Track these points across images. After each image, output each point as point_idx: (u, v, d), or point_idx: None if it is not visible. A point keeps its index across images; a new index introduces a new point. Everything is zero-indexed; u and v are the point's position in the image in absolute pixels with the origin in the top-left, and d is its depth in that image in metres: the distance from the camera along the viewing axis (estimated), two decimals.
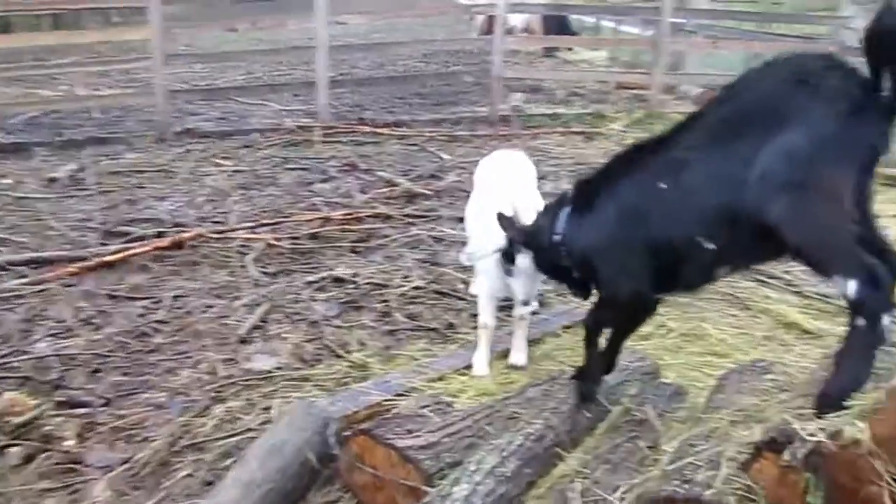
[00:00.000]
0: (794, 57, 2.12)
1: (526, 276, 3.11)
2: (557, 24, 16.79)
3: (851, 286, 1.87)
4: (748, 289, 4.38)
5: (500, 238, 3.20)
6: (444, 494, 2.11)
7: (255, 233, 5.21)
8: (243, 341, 3.81)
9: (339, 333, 3.89)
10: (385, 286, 4.38)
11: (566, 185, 6.35)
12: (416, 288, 4.36)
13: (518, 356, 3.53)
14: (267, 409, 3.23)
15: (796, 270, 4.66)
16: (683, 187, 2.19)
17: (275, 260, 4.83)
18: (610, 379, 2.75)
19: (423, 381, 3.31)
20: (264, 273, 4.62)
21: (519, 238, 2.93)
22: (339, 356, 3.66)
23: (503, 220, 2.96)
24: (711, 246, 2.17)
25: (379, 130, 8.46)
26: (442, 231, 5.29)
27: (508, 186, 3.56)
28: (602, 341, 2.70)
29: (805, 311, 4.12)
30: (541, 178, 6.28)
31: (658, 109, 9.48)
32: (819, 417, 1.89)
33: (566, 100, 11.08)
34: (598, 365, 2.66)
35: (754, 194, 2.00)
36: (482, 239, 3.52)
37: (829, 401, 1.90)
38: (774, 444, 1.89)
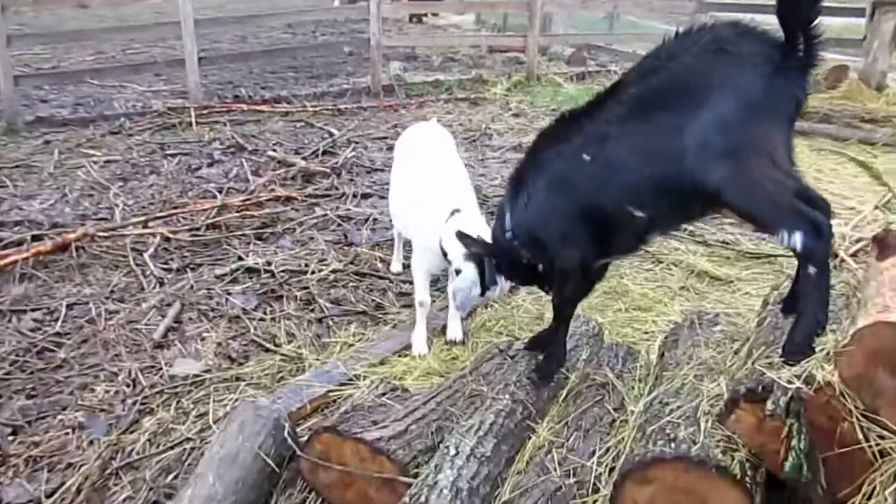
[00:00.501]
0: (708, 28, 2.16)
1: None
2: None
3: (797, 238, 1.96)
4: (657, 242, 4.53)
5: (431, 216, 3.21)
6: (431, 484, 2.05)
7: (147, 227, 4.86)
8: (160, 346, 3.55)
9: (264, 326, 3.70)
10: (302, 272, 4.22)
11: (465, 153, 6.38)
12: (336, 271, 4.22)
13: (455, 332, 3.52)
14: (202, 415, 3.03)
15: (697, 222, 4.90)
16: (612, 159, 2.23)
17: (175, 254, 4.52)
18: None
19: (364, 368, 3.22)
20: (167, 270, 4.32)
21: (486, 252, 2.83)
22: (268, 350, 3.50)
23: (467, 240, 2.85)
24: (641, 214, 2.23)
25: (259, 108, 8.11)
26: (348, 209, 5.14)
27: (435, 160, 3.52)
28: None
29: (710, 258, 4.33)
30: None
31: (536, 71, 9.62)
32: (790, 364, 1.97)
33: (443, 66, 11.06)
34: (564, 343, 2.66)
35: (693, 163, 2.04)
36: (412, 216, 3.47)
37: (797, 347, 1.98)
38: (752, 395, 1.96)
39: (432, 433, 2.40)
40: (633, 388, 2.52)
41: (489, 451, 2.20)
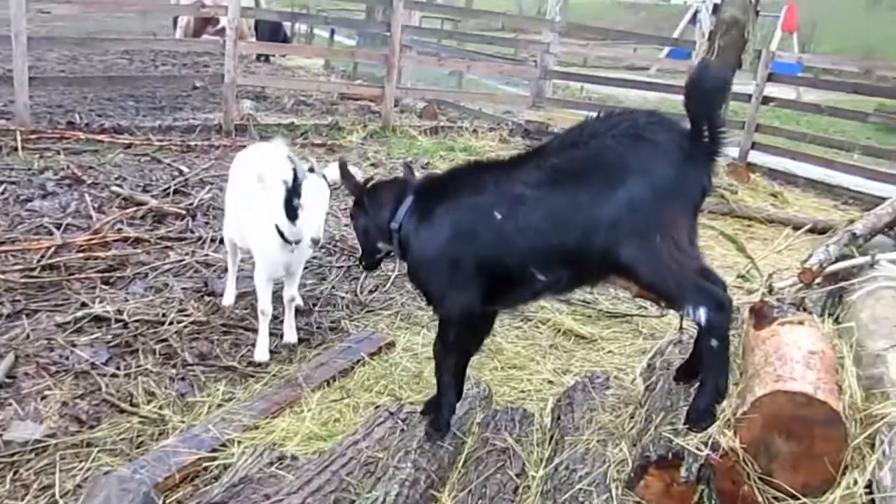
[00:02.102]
0: (627, 114, 2.34)
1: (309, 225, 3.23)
2: (271, 30, 16.46)
3: (702, 313, 2.12)
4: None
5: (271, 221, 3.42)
6: None
7: None
8: None
9: (118, 383, 3.34)
10: (160, 323, 3.88)
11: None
12: (197, 323, 3.93)
13: (290, 335, 3.85)
14: (46, 488, 2.67)
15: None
16: (524, 222, 2.30)
17: (5, 297, 4.00)
18: (457, 409, 2.72)
19: (238, 432, 2.99)
20: None
21: (356, 192, 2.78)
22: (124, 411, 3.15)
23: (345, 168, 2.83)
24: (542, 277, 2.33)
25: (97, 137, 7.51)
26: (207, 255, 4.84)
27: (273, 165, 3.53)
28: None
29: (574, 317, 4.49)
30: None
31: (391, 122, 9.72)
32: (694, 431, 2.06)
33: (295, 109, 10.88)
34: (451, 394, 2.62)
35: (605, 239, 2.18)
36: (248, 219, 3.67)
37: (702, 415, 2.11)
38: (663, 461, 2.02)
39: None
40: (532, 452, 2.53)
41: None
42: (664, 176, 2.15)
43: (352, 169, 2.91)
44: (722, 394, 2.13)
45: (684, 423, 2.10)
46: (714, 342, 2.13)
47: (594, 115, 2.36)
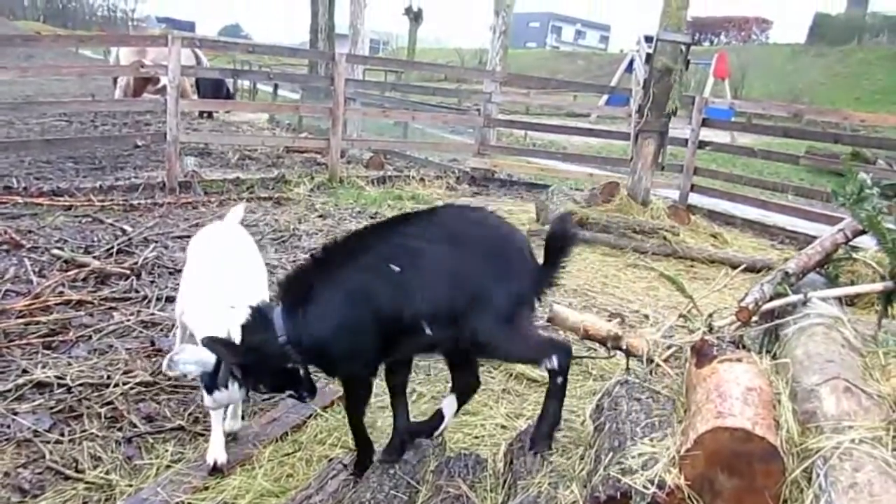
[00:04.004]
0: (508, 226, 2.82)
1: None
2: (213, 86, 16.52)
3: (554, 361, 2.63)
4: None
5: (211, 313, 3.05)
6: None
7: None
8: None
9: (62, 450, 3.24)
10: (104, 385, 3.78)
11: (275, 255, 6.25)
12: (143, 384, 3.85)
13: (233, 423, 3.39)
14: None
15: None
16: (420, 273, 2.53)
17: None
18: (410, 457, 2.74)
19: (187, 494, 2.94)
20: None
21: (239, 359, 2.66)
22: (69, 478, 3.06)
23: (217, 345, 2.63)
24: (429, 332, 2.54)
25: (36, 200, 7.38)
26: (153, 314, 4.77)
27: (231, 260, 3.47)
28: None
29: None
30: None
31: (338, 174, 9.79)
32: (536, 453, 2.56)
33: (240, 164, 10.88)
34: (366, 436, 2.87)
35: (468, 311, 2.50)
36: (195, 312, 3.31)
37: (543, 439, 2.61)
38: (612, 501, 2.07)
39: None
40: (485, 498, 2.54)
41: None
42: (528, 290, 2.64)
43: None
44: (559, 421, 2.69)
45: (529, 448, 2.58)
46: (560, 379, 2.65)
47: (492, 210, 2.89)
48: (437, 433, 2.94)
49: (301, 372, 2.73)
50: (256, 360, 2.66)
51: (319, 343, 2.57)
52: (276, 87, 19.23)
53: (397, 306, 2.48)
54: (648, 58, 8.00)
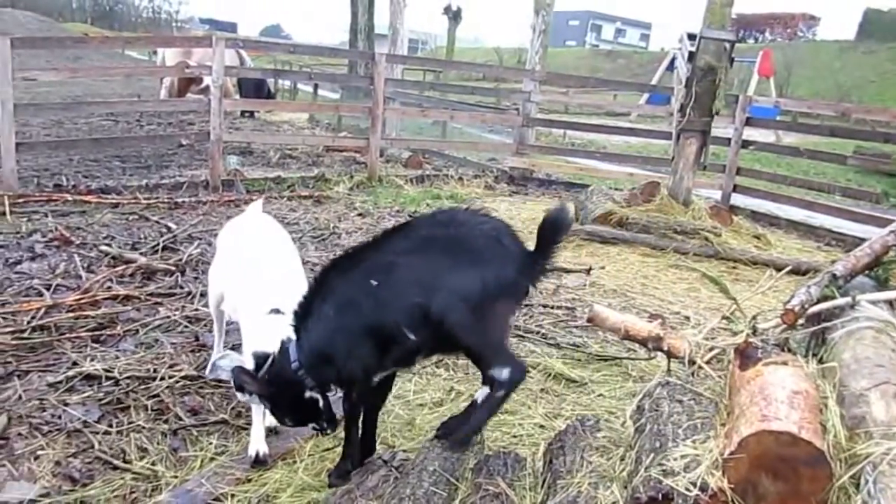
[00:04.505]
0: (492, 218, 2.84)
1: None
2: (255, 86, 16.74)
3: (505, 373, 2.62)
4: (513, 345, 4.70)
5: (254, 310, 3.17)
6: None
7: None
8: None
9: (110, 441, 3.34)
10: (151, 379, 3.88)
11: (315, 252, 6.32)
12: (188, 377, 3.94)
13: (256, 444, 3.27)
14: None
15: (546, 324, 5.15)
16: (395, 285, 2.64)
17: None
18: (449, 455, 2.75)
19: (230, 486, 3.00)
20: None
21: (264, 390, 2.86)
22: (117, 468, 3.14)
23: (243, 376, 2.83)
24: (413, 337, 2.63)
25: (85, 198, 7.57)
26: (196, 310, 4.86)
27: (265, 246, 3.57)
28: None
29: (564, 361, 4.53)
30: None
31: (377, 173, 9.86)
32: (454, 451, 2.65)
33: (281, 163, 11.02)
34: (357, 449, 2.90)
35: (440, 303, 2.56)
36: (238, 304, 3.42)
37: (460, 440, 2.67)
38: (653, 502, 2.05)
39: None
40: (524, 497, 2.55)
41: None
42: (507, 275, 2.62)
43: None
44: (480, 431, 2.74)
45: (446, 447, 2.65)
46: (500, 393, 2.64)
47: (464, 207, 3.01)
48: None
49: (321, 403, 2.86)
50: (278, 391, 2.84)
51: (319, 351, 2.75)
52: (316, 87, 19.42)
53: (379, 318, 2.65)
54: (691, 56, 7.88)
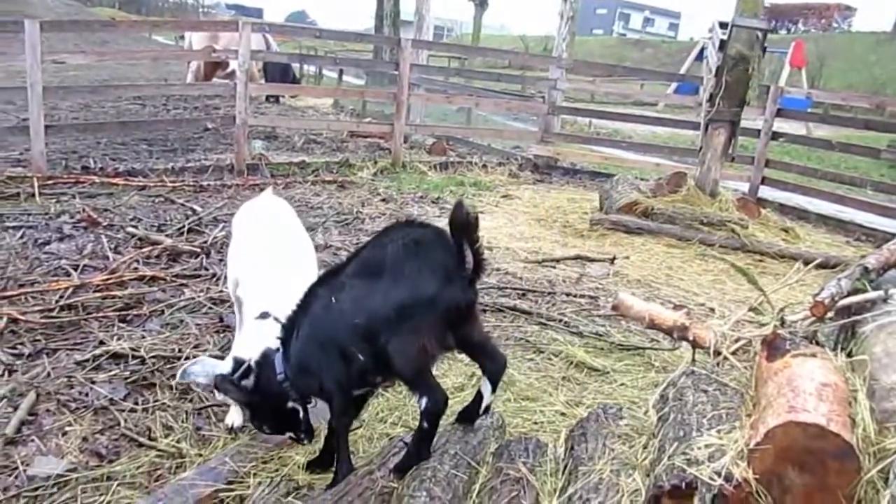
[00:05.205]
0: (417, 227, 2.78)
1: None
2: (281, 71, 16.78)
3: (423, 402, 2.57)
4: (535, 332, 4.70)
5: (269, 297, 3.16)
6: None
7: None
8: (13, 442, 3.13)
9: (136, 418, 3.39)
10: (176, 358, 3.93)
11: (339, 237, 6.34)
12: (213, 357, 3.95)
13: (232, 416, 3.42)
14: None
15: (569, 312, 5.13)
16: (343, 307, 2.66)
17: (26, 338, 4.06)
18: (471, 439, 2.76)
19: (253, 464, 3.03)
20: (16, 355, 3.87)
21: (247, 398, 2.90)
22: (142, 445, 3.19)
23: (227, 384, 2.86)
24: (361, 358, 2.63)
25: (112, 180, 7.65)
26: (221, 291, 4.90)
27: (275, 233, 3.57)
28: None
29: (586, 349, 4.50)
30: (310, 229, 6.21)
31: (401, 159, 9.86)
32: (397, 477, 2.57)
33: (305, 147, 11.05)
34: (348, 453, 2.89)
35: (379, 328, 2.55)
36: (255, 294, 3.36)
37: (400, 469, 2.60)
38: (676, 491, 2.04)
39: None
40: (545, 482, 2.54)
41: None
42: (424, 287, 2.52)
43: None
44: (421, 459, 2.61)
45: (390, 472, 2.59)
46: (426, 424, 2.60)
47: (401, 220, 3.03)
48: (483, 410, 2.92)
49: (301, 415, 2.89)
50: (261, 401, 2.88)
51: (300, 364, 2.78)
52: (341, 72, 19.42)
53: (335, 337, 2.68)
54: (722, 44, 7.77)
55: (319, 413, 3.01)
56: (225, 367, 2.95)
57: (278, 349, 2.87)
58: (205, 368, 2.94)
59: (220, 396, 3.03)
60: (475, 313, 2.73)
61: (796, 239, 7.96)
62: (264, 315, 3.08)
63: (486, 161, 10.87)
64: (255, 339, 2.99)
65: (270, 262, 3.39)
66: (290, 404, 2.87)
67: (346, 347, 2.64)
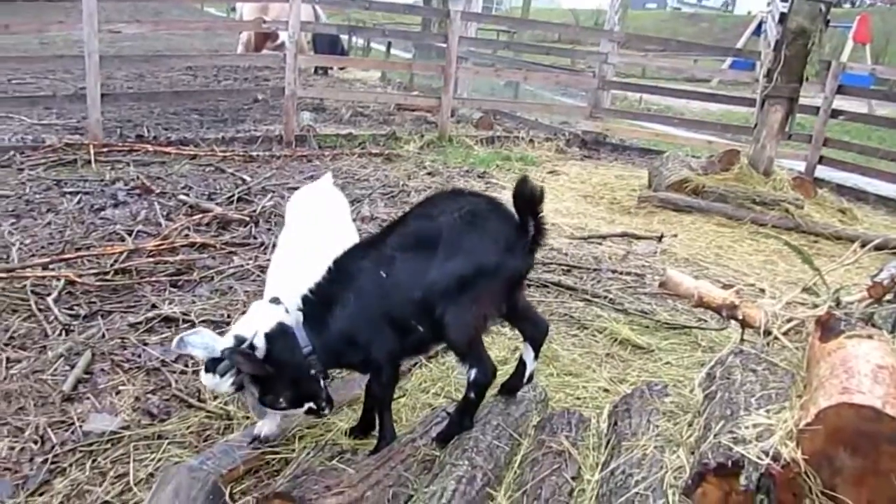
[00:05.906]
0: (472, 197, 2.82)
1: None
2: (329, 43, 16.78)
3: (473, 373, 2.64)
4: (579, 309, 4.66)
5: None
6: None
7: (48, 269, 4.51)
8: (69, 399, 3.26)
9: (187, 380, 3.48)
10: (225, 323, 4.01)
11: (385, 209, 6.37)
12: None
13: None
14: (121, 476, 2.81)
15: (614, 289, 5.08)
16: (397, 279, 2.68)
17: (82, 300, 4.21)
18: (513, 411, 2.77)
19: (299, 427, 3.09)
20: (73, 316, 4.01)
21: (261, 371, 2.63)
22: (192, 406, 3.28)
23: (238, 356, 2.57)
24: (421, 329, 2.68)
25: (164, 149, 7.80)
26: (268, 260, 4.96)
27: (323, 225, 3.40)
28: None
29: (631, 327, 4.46)
30: (356, 201, 6.25)
31: (447, 132, 9.82)
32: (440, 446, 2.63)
33: (353, 120, 11.08)
34: (391, 424, 2.91)
35: (435, 299, 2.58)
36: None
37: (443, 439, 2.66)
38: (722, 469, 2.01)
39: (388, 500, 2.31)
40: (587, 456, 2.54)
41: None
42: (485, 259, 2.58)
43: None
44: (463, 430, 2.67)
45: (432, 441, 2.65)
46: (472, 395, 2.67)
47: (445, 191, 3.11)
48: (527, 379, 2.95)
49: (322, 383, 2.80)
50: (279, 374, 2.67)
51: (344, 336, 2.75)
52: (389, 44, 19.35)
53: (389, 309, 2.70)
54: (782, 17, 7.50)
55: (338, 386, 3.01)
56: (226, 342, 2.68)
57: (290, 326, 2.75)
58: (204, 340, 2.67)
59: (209, 381, 2.66)
60: (524, 280, 2.78)
61: (853, 220, 7.72)
62: (275, 300, 2.90)
63: (532, 136, 10.75)
64: (258, 320, 2.77)
65: (301, 255, 3.17)
66: (313, 373, 2.75)
67: (405, 320, 2.67)
